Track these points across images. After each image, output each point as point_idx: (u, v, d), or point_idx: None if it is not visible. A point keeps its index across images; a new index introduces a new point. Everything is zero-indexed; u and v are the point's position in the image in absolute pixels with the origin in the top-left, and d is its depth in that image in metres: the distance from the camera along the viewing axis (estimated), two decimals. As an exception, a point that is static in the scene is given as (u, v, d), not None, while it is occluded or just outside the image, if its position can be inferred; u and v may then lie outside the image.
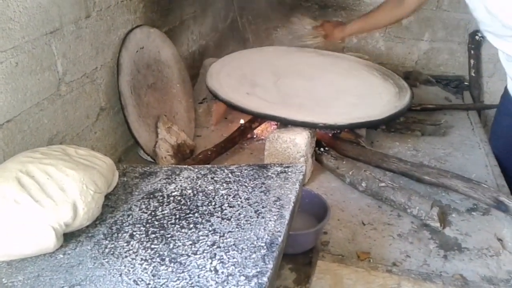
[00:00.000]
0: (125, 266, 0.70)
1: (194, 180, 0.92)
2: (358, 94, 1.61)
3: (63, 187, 0.76)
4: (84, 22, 1.17)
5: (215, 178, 0.92)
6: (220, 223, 0.78)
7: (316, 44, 1.88)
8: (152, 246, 0.73)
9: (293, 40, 1.89)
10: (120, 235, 0.77)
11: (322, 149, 1.47)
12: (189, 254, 0.71)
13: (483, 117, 2.06)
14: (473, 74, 2.16)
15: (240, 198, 0.85)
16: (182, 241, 0.74)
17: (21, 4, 0.94)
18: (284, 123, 1.41)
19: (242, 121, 1.63)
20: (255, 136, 1.65)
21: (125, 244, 0.74)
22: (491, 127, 1.75)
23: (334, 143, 1.55)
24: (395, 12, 1.63)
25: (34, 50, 1.00)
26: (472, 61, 2.16)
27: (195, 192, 0.88)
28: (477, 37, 2.13)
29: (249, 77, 1.66)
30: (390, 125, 1.70)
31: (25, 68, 0.98)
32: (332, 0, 2.24)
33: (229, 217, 0.79)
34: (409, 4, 1.57)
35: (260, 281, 0.64)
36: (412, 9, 1.60)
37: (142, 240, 0.75)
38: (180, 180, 0.92)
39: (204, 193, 0.87)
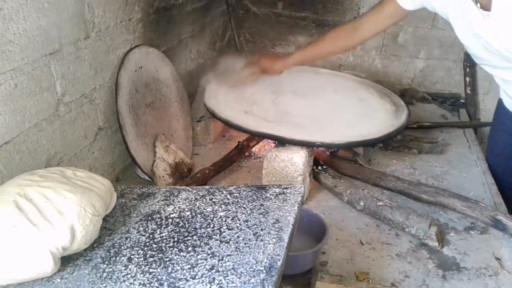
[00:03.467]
0: (123, 291, 0.69)
1: (193, 201, 0.92)
2: (355, 113, 1.62)
3: (61, 210, 0.75)
4: (84, 43, 1.18)
5: (213, 200, 0.92)
6: (219, 246, 0.77)
7: (254, 80, 1.73)
8: (151, 270, 0.73)
9: (232, 84, 1.74)
10: (118, 258, 0.76)
11: (320, 167, 1.47)
12: (188, 278, 0.70)
13: (480, 135, 2.07)
14: (468, 92, 2.18)
15: (239, 220, 0.84)
16: (180, 265, 0.73)
17: (21, 27, 0.95)
18: (282, 142, 1.41)
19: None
20: (253, 154, 1.65)
21: (123, 268, 0.74)
22: (487, 145, 1.76)
23: (332, 162, 1.55)
24: (345, 42, 1.57)
25: (33, 71, 1.00)
26: (467, 79, 2.18)
27: (193, 214, 0.87)
28: (472, 55, 2.15)
29: (247, 96, 1.67)
30: (388, 143, 1.70)
31: (24, 89, 0.98)
32: (329, 18, 2.27)
33: (228, 240, 0.79)
34: (362, 35, 1.51)
35: (259, 306, 0.64)
36: (363, 40, 1.57)
37: (140, 263, 0.74)
38: (179, 202, 0.92)
39: (202, 215, 0.87)
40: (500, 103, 1.56)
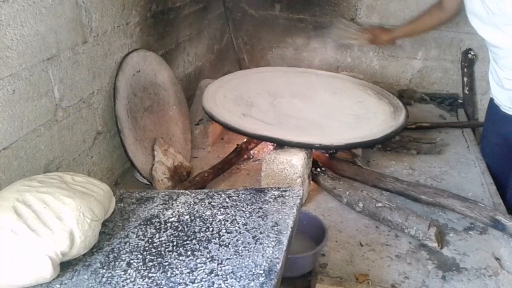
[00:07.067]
0: (122, 296, 0.69)
1: (191, 205, 0.92)
2: (353, 114, 1.62)
3: (60, 216, 0.75)
4: (81, 47, 1.18)
5: (212, 203, 0.92)
6: (218, 250, 0.77)
7: (360, 44, 2.06)
8: (150, 274, 0.73)
9: (336, 38, 2.07)
10: (117, 263, 0.76)
11: (318, 169, 1.48)
12: (187, 282, 0.70)
13: (478, 135, 2.07)
14: (466, 92, 2.18)
15: (238, 223, 0.84)
16: (179, 269, 0.73)
17: (18, 32, 0.95)
18: (281, 144, 1.41)
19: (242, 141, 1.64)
20: (251, 157, 1.65)
21: (122, 273, 0.74)
22: (480, 144, 1.76)
23: (331, 163, 1.55)
24: (439, 16, 1.78)
25: (31, 77, 1.00)
26: (465, 79, 2.18)
27: (192, 217, 0.87)
28: (469, 55, 2.15)
29: (245, 98, 1.68)
30: (386, 144, 1.71)
31: (22, 95, 0.98)
32: (326, 20, 2.27)
33: (227, 244, 0.79)
34: (449, 8, 1.71)
35: (258, 310, 0.64)
36: (453, 12, 1.72)
37: (139, 268, 0.74)
38: (177, 206, 0.92)
39: (201, 218, 0.87)
40: (491, 103, 1.57)
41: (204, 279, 0.71)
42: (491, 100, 1.56)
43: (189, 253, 0.77)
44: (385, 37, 1.91)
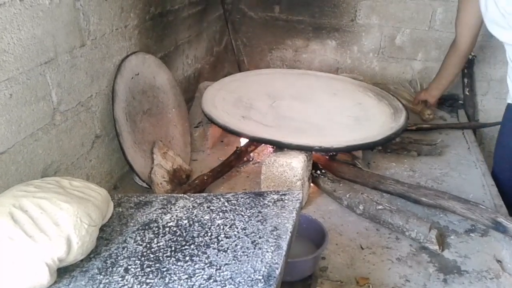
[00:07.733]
0: (120, 302, 0.68)
1: (190, 209, 0.91)
2: (353, 116, 1.61)
3: (57, 221, 0.74)
4: (79, 51, 1.17)
5: (211, 207, 0.91)
6: (217, 255, 0.77)
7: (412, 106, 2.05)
8: (148, 280, 0.72)
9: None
10: (114, 269, 0.75)
11: (318, 171, 1.47)
12: (185, 288, 0.70)
13: (479, 136, 2.06)
14: (467, 93, 2.17)
15: (237, 228, 0.84)
16: (178, 275, 0.73)
17: (15, 36, 0.95)
18: (280, 147, 1.41)
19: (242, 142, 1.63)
20: (251, 159, 1.65)
21: (120, 279, 0.73)
22: (494, 150, 1.70)
23: (331, 165, 1.55)
24: (458, 53, 1.77)
25: (28, 81, 1.00)
26: (465, 80, 2.17)
27: (191, 222, 0.87)
28: (470, 56, 2.14)
29: (244, 100, 1.67)
30: (386, 146, 1.70)
31: (20, 99, 0.98)
32: (326, 22, 2.27)
33: (226, 249, 0.78)
34: (462, 42, 1.71)
35: (257, 316, 0.63)
36: (467, 44, 1.72)
37: (137, 274, 0.74)
38: (176, 210, 0.91)
39: (200, 223, 0.86)
40: (508, 108, 1.54)
41: (202, 285, 0.70)
42: (509, 105, 1.54)
43: (187, 258, 0.77)
44: (426, 97, 1.96)
